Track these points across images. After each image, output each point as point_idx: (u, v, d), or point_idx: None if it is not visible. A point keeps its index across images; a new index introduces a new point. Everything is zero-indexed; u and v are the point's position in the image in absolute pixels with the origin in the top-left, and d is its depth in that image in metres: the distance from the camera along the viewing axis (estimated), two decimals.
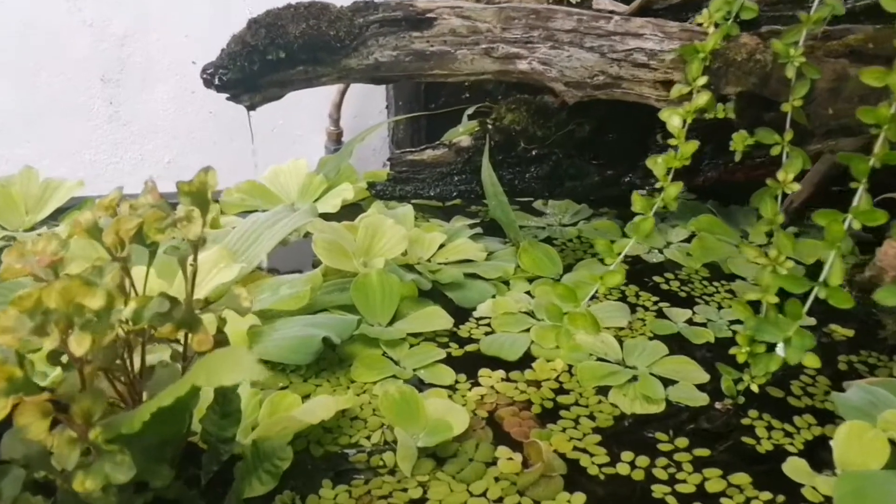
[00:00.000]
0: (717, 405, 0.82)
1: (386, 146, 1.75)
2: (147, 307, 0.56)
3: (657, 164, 0.78)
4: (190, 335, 0.60)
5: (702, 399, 0.83)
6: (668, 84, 0.96)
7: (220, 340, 0.61)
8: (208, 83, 0.94)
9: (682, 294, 1.05)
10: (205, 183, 0.57)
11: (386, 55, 0.98)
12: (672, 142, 0.80)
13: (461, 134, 1.18)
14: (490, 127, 1.04)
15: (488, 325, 0.96)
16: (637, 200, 0.77)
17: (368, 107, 1.75)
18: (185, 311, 0.59)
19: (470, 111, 1.15)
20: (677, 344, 0.93)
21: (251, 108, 0.99)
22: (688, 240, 1.17)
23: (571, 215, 1.24)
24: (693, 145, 0.83)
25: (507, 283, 1.05)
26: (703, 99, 0.86)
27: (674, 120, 0.77)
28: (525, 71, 0.98)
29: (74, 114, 1.63)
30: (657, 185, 0.89)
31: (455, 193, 1.21)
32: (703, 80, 0.89)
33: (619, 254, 0.77)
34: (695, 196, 1.29)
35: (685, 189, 1.15)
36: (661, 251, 1.16)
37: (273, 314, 0.92)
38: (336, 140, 1.66)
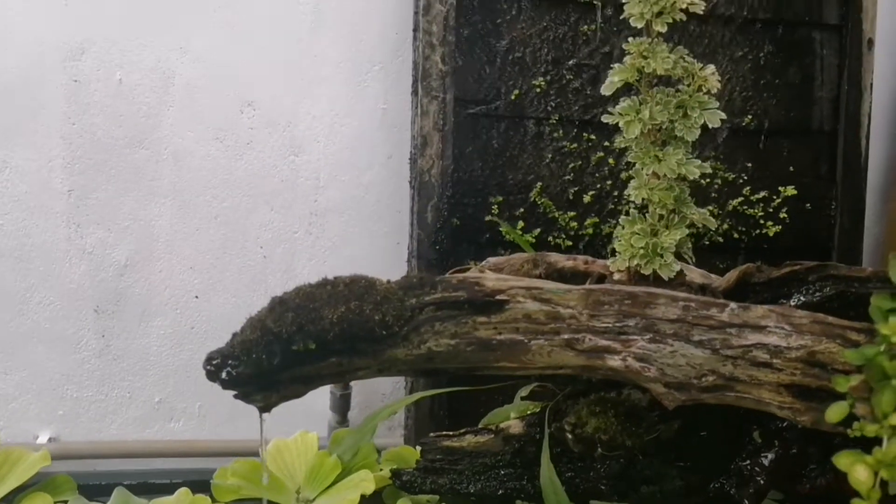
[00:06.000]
0: None
1: (398, 390, 1.56)
2: None
3: None
4: None
5: None
6: (794, 389, 0.76)
7: None
8: (213, 376, 0.72)
9: None
10: None
11: (442, 344, 0.78)
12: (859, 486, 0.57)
13: (511, 418, 0.97)
14: (570, 436, 0.82)
15: None
16: None
17: None
18: None
19: (524, 392, 0.95)
20: None
21: (265, 409, 0.76)
22: None
23: None
24: None
25: None
26: None
27: (859, 472, 0.55)
28: (617, 368, 0.78)
29: (62, 345, 1.48)
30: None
31: (501, 491, 0.98)
32: None
33: None
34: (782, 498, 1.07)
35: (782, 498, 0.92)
36: None
37: None
38: (344, 385, 1.48)
